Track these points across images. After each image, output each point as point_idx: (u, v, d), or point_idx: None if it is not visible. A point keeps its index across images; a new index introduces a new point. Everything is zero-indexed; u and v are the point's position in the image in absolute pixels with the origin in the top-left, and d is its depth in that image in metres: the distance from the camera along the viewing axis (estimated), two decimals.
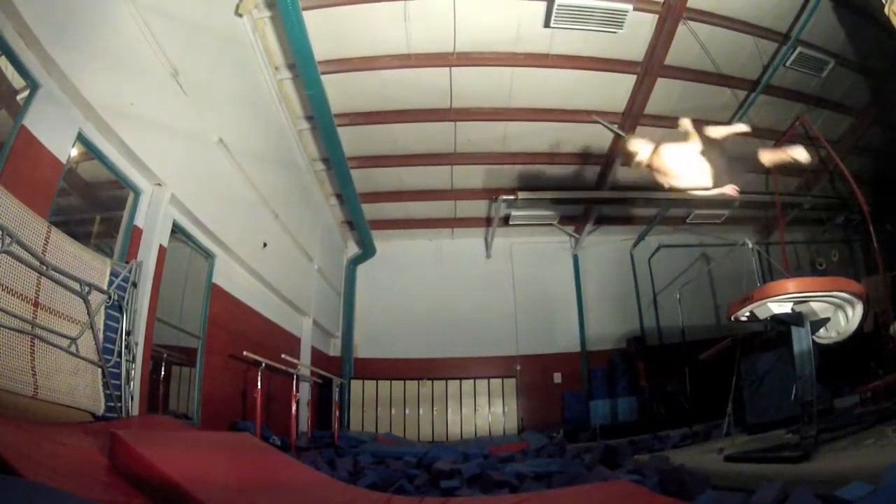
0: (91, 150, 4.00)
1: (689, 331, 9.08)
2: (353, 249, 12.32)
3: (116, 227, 4.57)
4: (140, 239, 4.55)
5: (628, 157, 3.84)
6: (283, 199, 7.87)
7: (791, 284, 3.38)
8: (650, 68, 7.47)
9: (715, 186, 3.68)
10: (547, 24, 6.76)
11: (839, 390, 5.80)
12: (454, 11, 6.69)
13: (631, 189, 10.10)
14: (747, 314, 3.61)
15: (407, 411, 11.29)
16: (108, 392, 3.62)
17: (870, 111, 9.04)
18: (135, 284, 4.11)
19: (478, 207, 11.34)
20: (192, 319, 5.79)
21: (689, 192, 3.91)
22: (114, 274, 3.81)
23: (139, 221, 4.58)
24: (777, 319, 3.48)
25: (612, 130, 8.84)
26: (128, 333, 3.93)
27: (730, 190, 3.75)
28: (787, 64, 7.51)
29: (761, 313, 3.49)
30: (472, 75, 7.81)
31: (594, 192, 10.30)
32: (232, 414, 6.29)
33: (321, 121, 7.54)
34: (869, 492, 1.95)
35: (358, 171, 9.46)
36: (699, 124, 3.77)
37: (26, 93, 3.33)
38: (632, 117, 8.34)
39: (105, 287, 3.66)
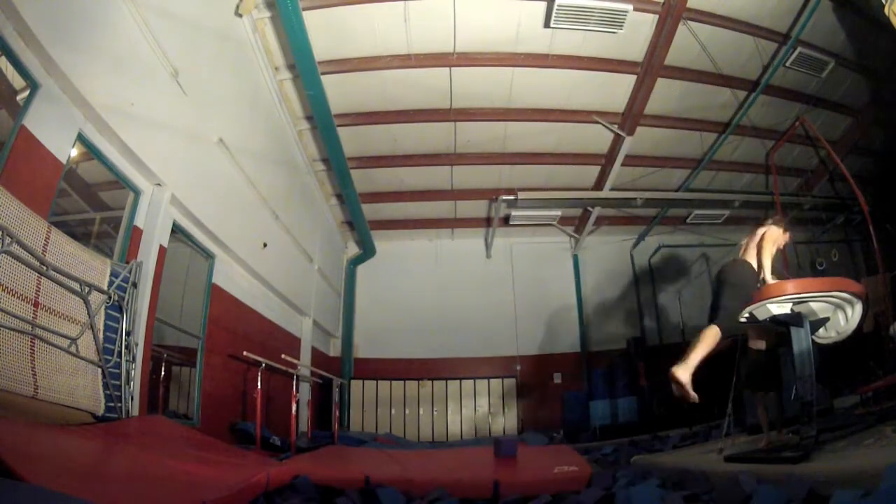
0: (91, 151, 4.00)
1: (689, 331, 9.10)
2: (353, 249, 12.32)
3: (116, 227, 4.57)
4: (140, 239, 4.55)
5: None
6: (283, 200, 7.87)
7: (790, 285, 3.36)
8: (650, 68, 7.46)
9: None
10: (547, 25, 6.77)
11: (839, 390, 5.81)
12: (454, 11, 6.70)
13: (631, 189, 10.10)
14: (746, 315, 3.59)
15: (407, 411, 11.29)
16: (108, 392, 3.62)
17: (870, 111, 9.04)
18: (135, 284, 4.11)
19: (478, 207, 11.33)
20: (192, 319, 5.79)
21: None
22: (114, 274, 3.81)
23: (139, 222, 4.58)
24: (776, 320, 3.46)
25: (612, 130, 8.84)
26: (128, 333, 3.93)
27: None
28: (787, 64, 7.52)
29: (760, 315, 3.47)
30: (472, 75, 7.81)
31: (594, 191, 10.30)
32: (232, 414, 6.29)
33: (321, 121, 7.54)
34: (857, 497, 1.95)
35: (358, 171, 9.46)
36: None
37: (26, 93, 3.33)
38: (632, 117, 8.34)
39: (105, 287, 3.66)
